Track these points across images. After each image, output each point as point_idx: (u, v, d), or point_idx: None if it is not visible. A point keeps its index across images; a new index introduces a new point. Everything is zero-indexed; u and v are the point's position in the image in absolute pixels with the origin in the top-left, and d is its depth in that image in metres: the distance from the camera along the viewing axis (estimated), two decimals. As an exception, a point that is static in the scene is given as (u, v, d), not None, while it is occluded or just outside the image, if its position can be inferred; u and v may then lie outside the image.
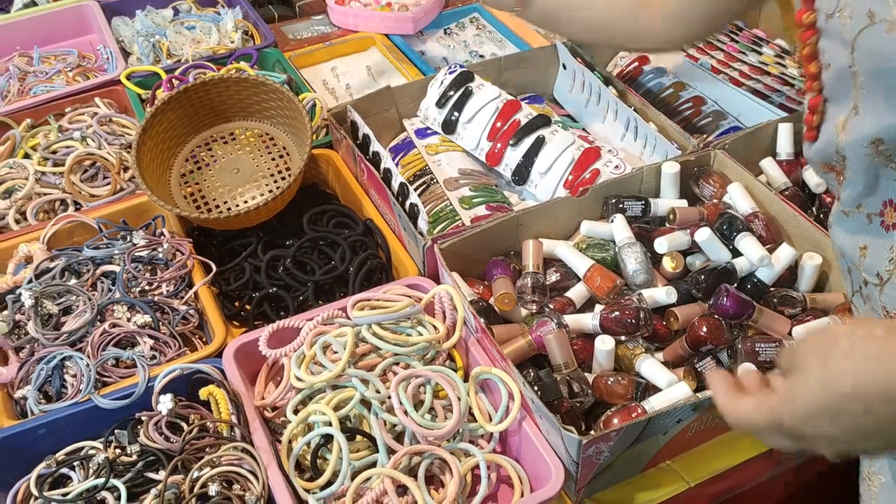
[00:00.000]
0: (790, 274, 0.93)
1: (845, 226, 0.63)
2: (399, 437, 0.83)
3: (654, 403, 0.79)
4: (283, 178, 1.13)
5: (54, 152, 1.19)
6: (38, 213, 1.13)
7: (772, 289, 0.92)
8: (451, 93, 1.16)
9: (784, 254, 0.91)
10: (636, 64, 1.30)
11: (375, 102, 1.19)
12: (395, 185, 1.03)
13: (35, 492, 0.80)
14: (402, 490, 0.78)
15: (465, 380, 0.86)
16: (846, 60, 0.56)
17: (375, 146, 1.09)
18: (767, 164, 1.06)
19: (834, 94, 0.59)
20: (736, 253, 0.93)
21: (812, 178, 1.04)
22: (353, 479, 0.78)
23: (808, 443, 0.51)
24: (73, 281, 0.98)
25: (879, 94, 0.54)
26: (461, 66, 1.19)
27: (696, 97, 1.22)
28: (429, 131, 1.19)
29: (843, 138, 0.58)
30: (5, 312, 0.96)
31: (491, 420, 0.84)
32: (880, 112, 0.55)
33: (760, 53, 1.28)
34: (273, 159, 1.15)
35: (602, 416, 0.82)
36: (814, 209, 1.05)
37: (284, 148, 1.16)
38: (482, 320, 0.86)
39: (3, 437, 0.83)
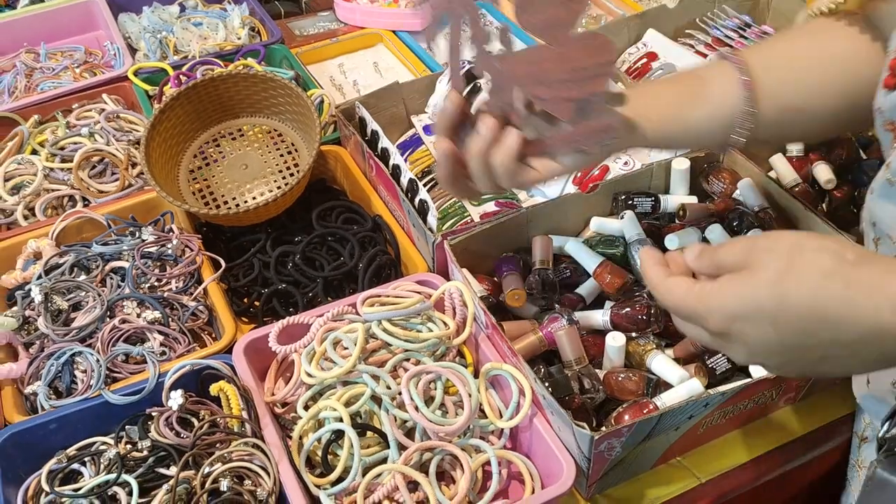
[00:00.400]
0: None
1: (891, 196, 0.59)
2: (410, 434, 0.83)
3: (665, 399, 0.79)
4: (292, 175, 1.13)
5: (62, 148, 1.19)
6: (46, 209, 1.13)
7: (782, 285, 0.91)
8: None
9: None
10: (645, 60, 1.30)
11: (384, 98, 1.18)
12: (405, 181, 1.03)
13: (46, 487, 0.80)
14: (413, 486, 0.78)
15: (476, 376, 0.86)
16: None
17: (384, 142, 1.09)
18: (777, 160, 1.05)
19: None
20: (746, 249, 0.93)
21: (822, 174, 1.04)
22: (364, 474, 0.78)
23: (725, 341, 0.50)
24: (82, 277, 0.98)
25: None
26: (470, 63, 1.18)
27: (705, 93, 1.22)
28: (437, 127, 1.18)
29: None
30: (15, 308, 0.96)
31: (501, 416, 0.84)
32: None
33: (769, 50, 1.27)
34: (281, 155, 1.15)
35: (613, 412, 0.82)
36: (823, 205, 1.05)
37: (293, 144, 1.16)
38: (493, 317, 0.86)
39: (14, 432, 0.83)
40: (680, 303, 0.53)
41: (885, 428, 0.56)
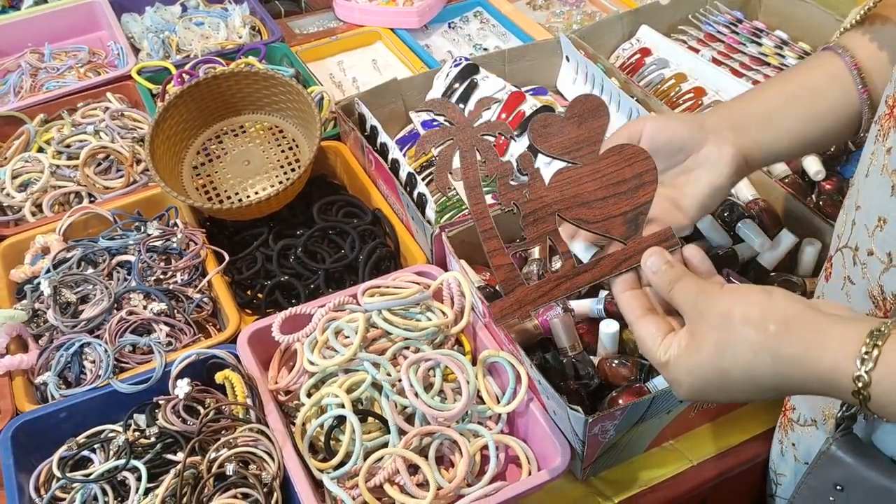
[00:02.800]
0: (790, 259, 0.95)
1: (879, 186, 0.58)
2: (410, 419, 0.85)
3: (657, 384, 0.81)
4: (293, 170, 1.15)
5: (68, 146, 1.21)
6: (53, 205, 1.15)
7: (772, 273, 0.94)
8: (457, 85, 1.19)
9: (784, 239, 0.93)
10: (638, 56, 1.32)
11: (382, 95, 1.21)
12: (404, 175, 1.06)
13: (57, 473, 0.82)
14: (413, 469, 0.81)
15: (474, 363, 0.88)
16: None
17: (383, 137, 1.11)
18: (767, 152, 1.08)
19: None
20: (737, 239, 0.95)
21: (812, 165, 1.06)
22: (365, 459, 0.80)
23: (682, 391, 0.57)
24: (89, 270, 1.01)
25: None
26: (466, 59, 1.21)
27: (697, 88, 1.24)
28: (435, 123, 1.21)
29: None
30: (24, 301, 0.98)
31: (499, 402, 0.86)
32: None
33: (760, 45, 1.29)
34: (283, 151, 1.18)
35: (606, 398, 0.84)
36: (813, 196, 1.07)
37: (294, 140, 1.19)
38: (488, 305, 0.88)
39: (25, 420, 0.85)
40: (646, 352, 0.59)
41: (843, 409, 0.59)
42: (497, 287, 0.64)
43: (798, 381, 0.51)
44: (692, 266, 0.61)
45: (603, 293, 0.92)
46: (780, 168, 1.06)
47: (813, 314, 0.51)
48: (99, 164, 1.20)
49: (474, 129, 0.66)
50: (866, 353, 0.48)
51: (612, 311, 0.89)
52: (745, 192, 1.00)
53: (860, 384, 0.48)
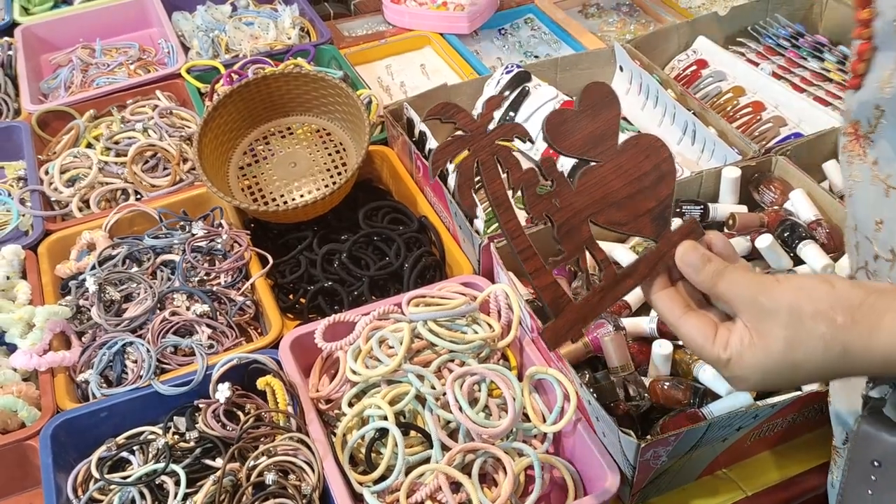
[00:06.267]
0: (853, 284, 0.92)
1: (864, 195, 0.60)
2: (453, 435, 0.83)
3: (713, 410, 0.78)
4: (340, 174, 1.14)
5: (117, 143, 1.22)
6: (100, 201, 1.15)
7: (834, 298, 0.90)
8: (508, 92, 1.16)
9: (848, 263, 0.89)
10: (694, 67, 1.29)
11: (432, 100, 1.19)
12: (452, 182, 1.04)
13: (96, 474, 0.82)
14: (455, 487, 0.78)
15: (520, 379, 0.86)
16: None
17: (432, 143, 1.10)
18: (831, 166, 1.04)
19: (883, 44, 0.57)
20: (797, 261, 0.92)
21: (876, 186, 1.02)
22: (406, 474, 0.78)
23: (748, 385, 0.56)
24: (134, 269, 1.00)
25: None
26: (518, 66, 1.18)
27: (756, 102, 1.20)
28: (483, 130, 1.19)
29: (888, 91, 0.56)
30: (69, 297, 0.98)
31: (545, 421, 0.84)
32: None
33: (822, 60, 1.25)
34: (329, 154, 1.16)
35: (657, 421, 0.81)
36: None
37: (341, 143, 1.17)
38: (538, 320, 0.86)
39: (66, 419, 0.85)
40: (699, 350, 0.57)
41: (869, 386, 0.59)
42: (545, 308, 0.61)
43: (863, 364, 0.52)
44: (716, 251, 0.59)
45: (654, 313, 0.89)
46: (843, 185, 1.02)
47: (873, 298, 0.51)
48: (146, 162, 1.19)
49: (490, 136, 0.61)
50: None
51: (666, 332, 0.86)
52: (807, 212, 0.96)
53: None
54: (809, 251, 0.90)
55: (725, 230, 0.98)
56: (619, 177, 0.61)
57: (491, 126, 0.62)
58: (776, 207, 0.99)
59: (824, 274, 0.54)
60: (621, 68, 1.25)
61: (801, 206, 0.97)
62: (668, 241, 0.60)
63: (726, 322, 0.56)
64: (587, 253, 0.61)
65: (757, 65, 1.28)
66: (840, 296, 0.52)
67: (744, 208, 1.01)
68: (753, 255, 0.94)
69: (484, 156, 0.61)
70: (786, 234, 0.93)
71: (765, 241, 0.91)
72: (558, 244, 0.61)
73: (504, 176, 0.61)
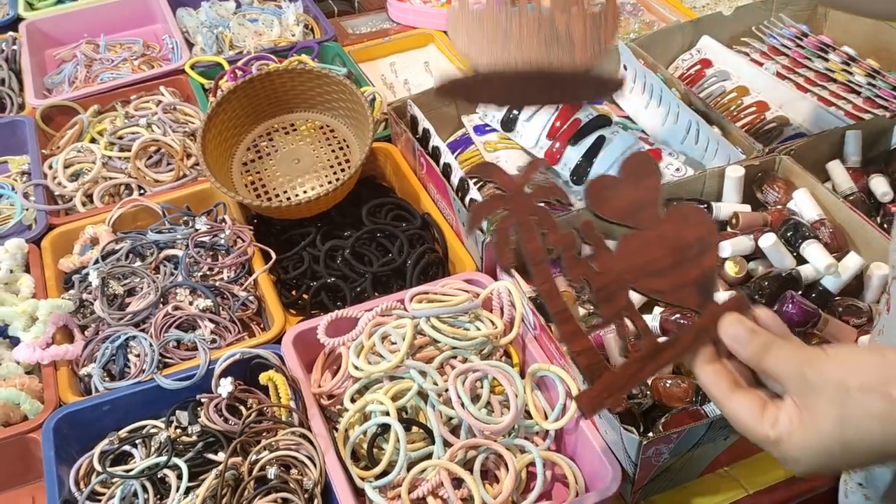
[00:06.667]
0: (856, 283, 0.92)
1: None
2: (455, 431, 0.83)
3: (714, 408, 0.78)
4: (343, 170, 1.14)
5: (120, 138, 1.22)
6: (104, 196, 1.15)
7: (837, 298, 0.90)
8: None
9: (852, 262, 0.89)
10: (698, 67, 1.29)
11: (435, 97, 1.19)
12: (455, 179, 1.04)
13: (98, 467, 0.82)
14: (457, 483, 0.78)
15: (522, 376, 0.86)
16: None
17: (435, 140, 1.10)
18: (834, 166, 1.04)
19: None
20: (800, 260, 0.92)
21: (879, 186, 1.02)
22: (408, 469, 0.78)
23: (800, 468, 0.52)
24: (137, 263, 1.01)
25: None
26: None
27: (760, 102, 1.20)
28: (487, 128, 1.19)
29: None
30: (72, 291, 0.98)
31: (547, 418, 0.84)
32: None
33: (827, 60, 1.25)
34: (333, 151, 1.17)
35: (659, 419, 0.81)
36: (878, 218, 1.03)
37: (344, 140, 1.17)
38: (541, 317, 0.86)
39: (68, 412, 0.85)
40: (745, 430, 0.54)
41: None
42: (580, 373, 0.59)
43: None
44: (764, 326, 0.56)
45: (658, 310, 0.89)
46: (847, 185, 1.02)
47: None
48: (150, 157, 1.20)
49: (529, 196, 0.62)
50: None
51: (668, 330, 0.86)
52: (810, 211, 0.96)
53: None
54: (813, 251, 0.90)
55: (728, 229, 0.98)
56: (660, 245, 0.59)
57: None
58: (779, 207, 0.99)
59: (875, 344, 0.51)
60: (625, 67, 1.25)
61: (804, 205, 0.97)
62: (712, 312, 0.57)
63: (776, 400, 0.53)
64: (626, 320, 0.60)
65: (761, 65, 1.28)
66: (892, 365, 0.48)
67: (747, 207, 1.00)
68: (756, 255, 0.94)
69: (522, 216, 0.61)
70: (789, 234, 0.93)
71: (768, 241, 0.91)
72: (596, 309, 0.60)
73: (541, 237, 0.60)
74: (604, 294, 0.58)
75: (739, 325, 0.55)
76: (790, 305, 0.84)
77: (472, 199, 1.01)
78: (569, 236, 0.60)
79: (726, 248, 0.91)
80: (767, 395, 0.54)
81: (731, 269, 0.92)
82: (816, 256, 0.90)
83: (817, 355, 0.51)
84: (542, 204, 0.61)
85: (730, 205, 1.01)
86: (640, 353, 0.58)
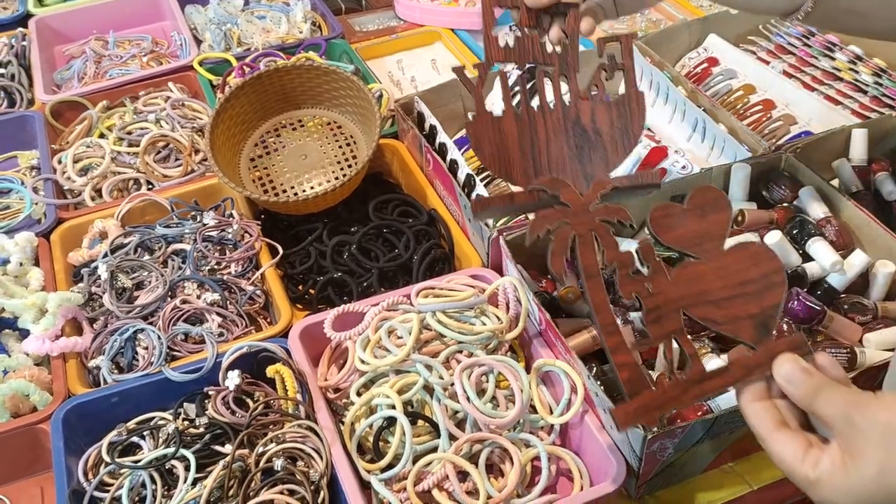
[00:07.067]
0: (861, 281, 0.92)
1: None
2: (460, 425, 0.83)
3: (720, 403, 0.78)
4: (350, 166, 1.15)
5: (129, 133, 1.23)
6: (112, 191, 1.16)
7: (843, 295, 0.90)
8: (518, 87, 1.16)
9: (857, 260, 0.89)
10: (705, 65, 1.29)
11: (442, 94, 1.20)
12: (462, 175, 1.04)
13: (106, 458, 0.82)
14: (462, 476, 0.79)
15: (527, 371, 0.86)
16: None
17: (442, 137, 1.10)
18: (841, 164, 1.04)
19: None
20: (806, 258, 0.92)
21: (885, 185, 1.02)
22: (414, 462, 0.79)
23: None
24: (145, 257, 1.01)
25: None
26: (530, 63, 1.18)
27: (766, 100, 1.21)
28: (494, 125, 1.19)
29: None
30: (81, 284, 0.99)
31: (552, 412, 0.84)
32: None
33: (833, 59, 1.25)
34: (340, 147, 1.17)
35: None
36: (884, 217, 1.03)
37: (351, 136, 1.18)
38: (546, 313, 0.86)
39: (77, 403, 0.85)
40: (787, 470, 0.53)
41: None
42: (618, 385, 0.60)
43: None
44: (823, 372, 0.55)
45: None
46: (853, 183, 1.02)
47: None
48: (158, 152, 1.20)
49: (592, 214, 0.63)
50: None
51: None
52: (816, 209, 0.96)
53: None
54: (818, 248, 0.90)
55: (735, 226, 0.98)
56: (720, 277, 0.60)
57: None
58: (785, 205, 1.00)
59: None
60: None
61: (810, 203, 0.97)
62: (768, 350, 0.57)
63: (823, 444, 0.52)
64: (673, 342, 0.60)
65: (768, 63, 1.28)
66: None
67: (753, 205, 1.01)
68: (762, 252, 0.94)
69: (582, 230, 0.62)
70: (795, 231, 0.94)
71: (774, 238, 0.91)
72: (645, 328, 0.60)
73: (599, 254, 0.61)
74: (654, 315, 0.59)
75: (793, 365, 0.55)
76: (795, 303, 0.84)
77: (478, 195, 1.01)
78: (626, 255, 0.61)
79: (731, 245, 0.91)
80: (818, 439, 0.53)
81: (736, 265, 0.92)
82: (822, 254, 0.90)
83: (866, 399, 0.50)
84: (604, 222, 0.63)
85: (736, 202, 1.01)
86: (683, 378, 0.59)
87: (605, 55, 0.71)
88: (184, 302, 0.96)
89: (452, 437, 0.81)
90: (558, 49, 0.74)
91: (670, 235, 0.61)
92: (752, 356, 0.58)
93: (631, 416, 0.58)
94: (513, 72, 1.17)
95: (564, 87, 0.73)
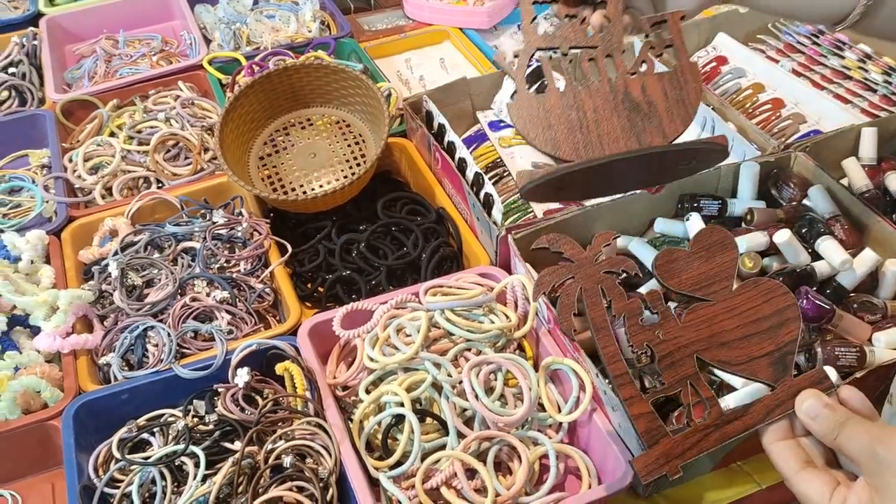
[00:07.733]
0: (870, 280, 0.91)
1: None
2: (469, 422, 0.83)
3: (729, 401, 0.78)
4: (359, 165, 1.15)
5: (139, 132, 1.23)
6: (123, 189, 1.17)
7: (852, 294, 0.90)
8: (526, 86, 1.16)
9: (867, 258, 0.89)
10: (714, 64, 1.29)
11: (451, 93, 1.20)
12: (470, 174, 1.04)
13: (116, 454, 0.83)
14: (470, 474, 0.79)
15: (536, 369, 0.86)
16: None
17: (450, 136, 1.10)
18: (850, 163, 1.04)
19: None
20: (815, 256, 0.92)
21: (894, 183, 1.02)
22: (422, 460, 0.79)
23: None
24: (155, 255, 1.02)
25: None
26: (537, 60, 1.18)
27: (775, 99, 1.20)
28: (502, 124, 1.19)
29: None
30: (91, 282, 1.00)
31: (560, 410, 0.84)
32: None
33: (843, 58, 1.25)
34: (349, 145, 1.17)
35: (673, 412, 0.81)
36: (894, 217, 1.03)
37: (360, 135, 1.18)
38: (555, 311, 0.86)
39: (88, 400, 0.86)
40: None
41: None
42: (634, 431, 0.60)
43: None
44: (850, 408, 0.54)
45: (671, 305, 0.89)
46: (862, 182, 1.02)
47: None
48: (168, 151, 1.21)
49: (597, 266, 0.64)
50: None
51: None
52: (825, 208, 0.96)
53: None
54: (828, 246, 0.90)
55: (743, 225, 0.98)
56: (732, 317, 0.60)
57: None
58: (794, 203, 0.99)
59: None
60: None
61: (819, 202, 0.97)
62: (788, 388, 0.57)
63: (850, 481, 0.51)
64: (690, 387, 0.60)
65: (777, 62, 1.28)
66: None
67: (762, 204, 1.01)
68: (771, 251, 0.94)
69: (588, 283, 0.63)
70: (804, 230, 0.93)
71: (783, 237, 0.91)
72: (659, 376, 0.60)
73: (605, 304, 0.62)
74: (667, 361, 0.59)
75: (815, 401, 0.54)
76: (805, 301, 0.84)
77: (486, 194, 1.01)
78: (634, 304, 0.61)
79: (741, 243, 0.91)
80: (845, 476, 0.52)
81: (745, 264, 0.92)
82: (831, 253, 0.90)
83: (891, 432, 0.49)
84: (609, 273, 0.63)
85: (745, 201, 1.01)
86: (703, 423, 0.58)
87: (652, 34, 0.70)
88: (193, 300, 0.96)
89: (461, 435, 0.81)
90: (600, 35, 0.72)
91: (676, 280, 0.61)
92: (773, 395, 0.57)
93: (652, 466, 0.58)
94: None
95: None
